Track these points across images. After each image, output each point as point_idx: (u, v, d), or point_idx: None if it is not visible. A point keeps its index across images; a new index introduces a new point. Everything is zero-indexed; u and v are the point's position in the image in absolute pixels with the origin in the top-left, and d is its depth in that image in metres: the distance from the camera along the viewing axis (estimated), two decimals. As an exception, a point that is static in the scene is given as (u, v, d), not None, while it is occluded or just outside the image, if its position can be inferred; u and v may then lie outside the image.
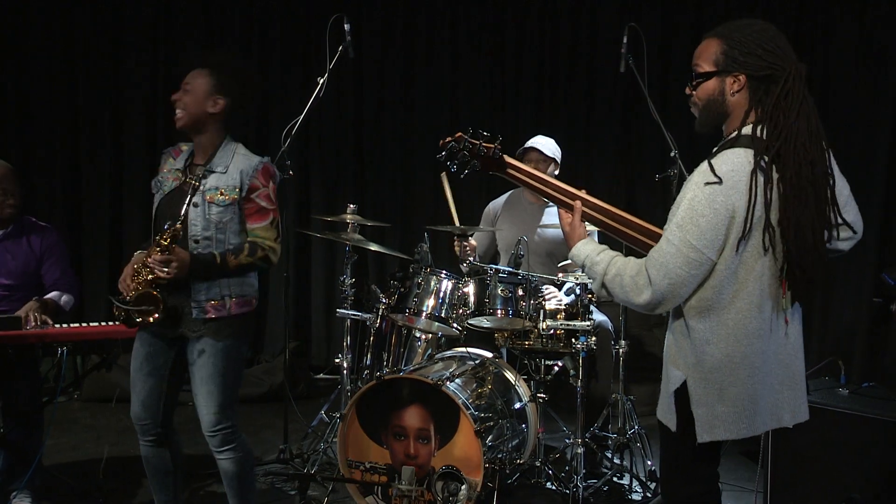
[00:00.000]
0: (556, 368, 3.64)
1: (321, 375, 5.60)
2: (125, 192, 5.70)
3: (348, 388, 3.72)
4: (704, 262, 1.83)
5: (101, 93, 5.69)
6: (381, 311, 3.49)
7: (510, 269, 3.38)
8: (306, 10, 5.64)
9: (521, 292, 3.32)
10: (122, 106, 5.74)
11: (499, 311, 3.31)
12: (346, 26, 3.81)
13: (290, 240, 5.42)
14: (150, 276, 2.47)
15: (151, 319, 2.46)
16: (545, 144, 4.03)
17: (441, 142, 2.20)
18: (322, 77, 3.80)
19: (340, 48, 3.86)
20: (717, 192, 1.80)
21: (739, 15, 4.84)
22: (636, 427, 3.63)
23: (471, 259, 3.64)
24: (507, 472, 3.17)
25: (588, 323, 3.29)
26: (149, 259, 2.45)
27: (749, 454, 3.75)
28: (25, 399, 3.16)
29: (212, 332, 2.54)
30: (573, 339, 3.36)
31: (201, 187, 2.55)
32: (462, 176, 2.21)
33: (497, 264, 3.88)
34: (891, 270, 3.62)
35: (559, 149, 4.04)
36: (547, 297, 3.44)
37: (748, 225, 1.82)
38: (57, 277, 3.32)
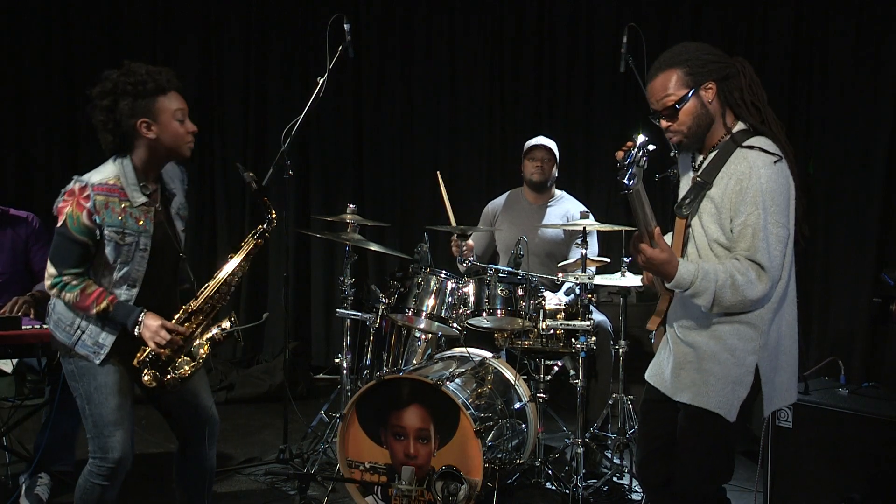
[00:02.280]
0: (556, 368, 3.64)
1: (321, 375, 5.59)
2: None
3: (348, 388, 3.71)
4: (790, 237, 1.99)
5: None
6: (380, 311, 3.49)
7: (510, 269, 3.39)
8: (305, 10, 5.64)
9: (520, 292, 3.32)
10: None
11: (498, 311, 3.31)
12: (346, 26, 3.80)
13: (290, 240, 5.41)
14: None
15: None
16: (551, 144, 4.07)
17: (621, 151, 2.22)
18: (322, 77, 3.80)
19: (340, 48, 3.86)
20: (782, 166, 1.99)
21: (738, 15, 4.89)
22: (636, 427, 3.63)
23: (470, 259, 3.64)
24: (507, 471, 3.17)
25: (588, 323, 3.29)
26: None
27: (749, 454, 3.75)
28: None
29: None
30: (573, 339, 3.37)
31: (173, 211, 2.47)
32: (628, 191, 2.01)
33: (496, 264, 3.89)
34: (890, 270, 3.62)
35: (558, 152, 4.11)
36: (547, 300, 3.44)
37: (804, 198, 2.03)
38: (45, 265, 3.31)
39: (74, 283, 2.30)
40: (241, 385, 5.15)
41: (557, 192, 4.17)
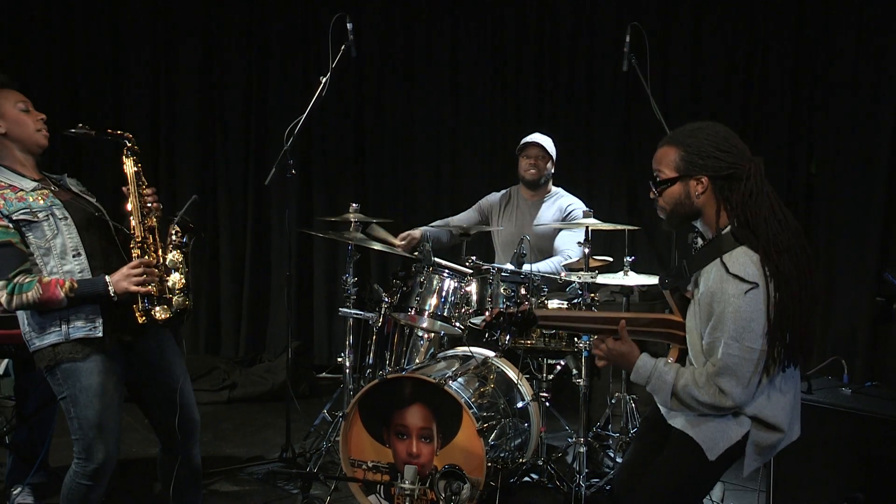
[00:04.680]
0: (559, 367, 3.64)
1: (323, 374, 5.60)
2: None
3: (351, 387, 3.72)
4: (763, 351, 1.93)
5: (101, 92, 5.70)
6: (383, 310, 3.49)
7: (512, 269, 3.39)
8: (305, 10, 5.64)
9: (523, 291, 3.32)
10: (123, 106, 5.74)
11: (501, 310, 3.30)
12: (349, 25, 3.80)
13: (293, 240, 5.41)
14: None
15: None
16: (545, 140, 4.07)
17: (483, 322, 2.25)
18: (324, 76, 3.80)
19: (343, 47, 3.86)
20: (757, 294, 1.91)
21: (738, 14, 4.88)
22: (638, 426, 3.63)
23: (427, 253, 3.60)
24: (510, 471, 3.17)
25: (590, 322, 3.28)
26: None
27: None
28: (44, 388, 3.12)
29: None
30: (575, 339, 3.37)
31: (76, 190, 2.49)
32: (505, 346, 2.26)
33: (493, 259, 3.89)
34: (893, 270, 3.62)
35: (554, 148, 4.10)
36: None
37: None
38: None
39: (28, 279, 2.26)
40: (243, 384, 5.15)
41: (553, 189, 4.17)
